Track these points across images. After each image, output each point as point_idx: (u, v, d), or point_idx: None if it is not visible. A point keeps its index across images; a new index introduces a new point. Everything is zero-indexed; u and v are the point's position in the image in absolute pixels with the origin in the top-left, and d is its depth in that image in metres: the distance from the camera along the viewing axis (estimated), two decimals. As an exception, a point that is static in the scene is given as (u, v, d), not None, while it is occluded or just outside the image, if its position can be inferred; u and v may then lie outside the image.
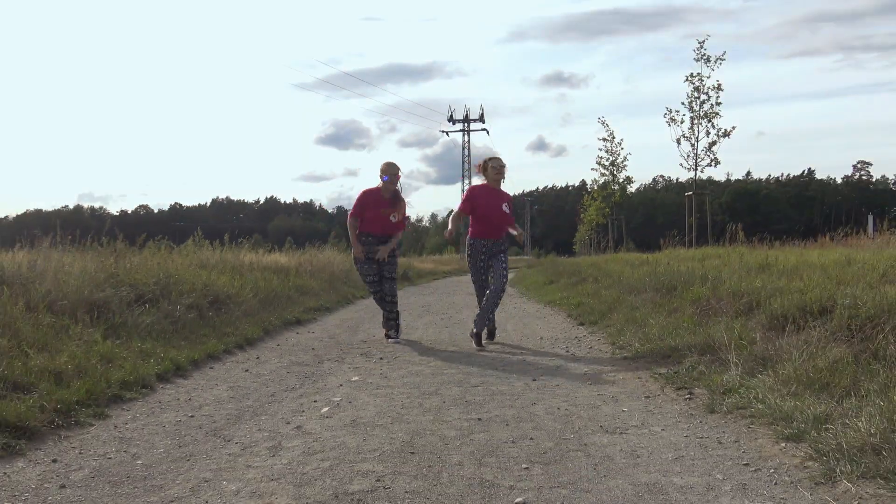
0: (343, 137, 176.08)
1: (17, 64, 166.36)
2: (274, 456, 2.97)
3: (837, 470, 2.44)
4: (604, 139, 24.54)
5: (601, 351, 5.60)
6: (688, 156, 17.13)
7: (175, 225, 57.44)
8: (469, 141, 47.89)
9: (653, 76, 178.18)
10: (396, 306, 6.62)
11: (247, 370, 5.10)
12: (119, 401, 3.96)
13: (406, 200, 6.61)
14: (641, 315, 6.32)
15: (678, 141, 17.23)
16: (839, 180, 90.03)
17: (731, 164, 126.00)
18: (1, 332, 4.41)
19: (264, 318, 7.52)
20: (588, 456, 2.87)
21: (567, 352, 5.63)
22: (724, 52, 17.42)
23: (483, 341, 6.01)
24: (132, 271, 6.97)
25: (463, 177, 47.07)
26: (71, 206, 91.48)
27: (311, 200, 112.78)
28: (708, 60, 16.76)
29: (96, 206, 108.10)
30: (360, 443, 3.12)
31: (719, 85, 16.74)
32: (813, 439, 2.75)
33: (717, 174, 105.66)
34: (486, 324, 6.05)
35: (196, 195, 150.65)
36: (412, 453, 2.94)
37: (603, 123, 25.47)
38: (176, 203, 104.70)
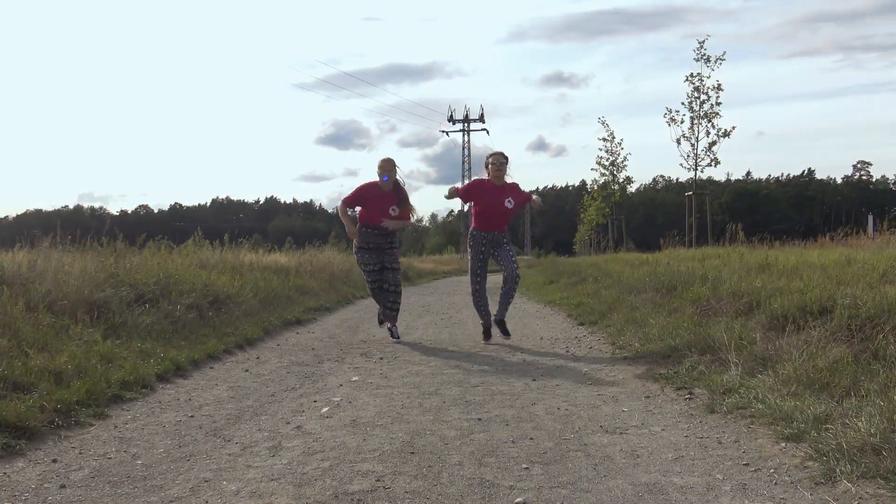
0: (343, 137, 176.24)
1: (17, 64, 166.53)
2: (274, 456, 2.97)
3: (837, 470, 2.44)
4: (604, 139, 24.58)
5: (601, 351, 5.60)
6: (688, 156, 17.15)
7: (175, 225, 57.45)
8: (469, 141, 47.89)
9: (653, 76, 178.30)
10: (400, 296, 6.60)
11: (247, 370, 5.10)
12: (119, 401, 3.96)
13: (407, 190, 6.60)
14: (641, 315, 6.32)
15: (678, 141, 17.25)
16: (839, 180, 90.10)
17: (731, 164, 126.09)
18: (1, 332, 4.41)
19: (264, 318, 7.52)
20: (588, 456, 2.87)
21: (567, 352, 5.63)
22: (724, 52, 17.45)
23: (493, 337, 6.07)
24: (132, 271, 6.97)
25: (463, 177, 47.04)
26: (71, 206, 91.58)
27: (311, 200, 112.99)
28: (708, 60, 16.78)
29: (96, 206, 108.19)
30: (360, 443, 3.12)
31: (719, 85, 16.77)
32: (813, 439, 2.75)
33: (717, 174, 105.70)
34: (506, 311, 6.19)
35: (196, 195, 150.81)
36: (412, 453, 2.94)
37: (603, 123, 25.52)
38: (176, 203, 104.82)
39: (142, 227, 14.02)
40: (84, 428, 3.44)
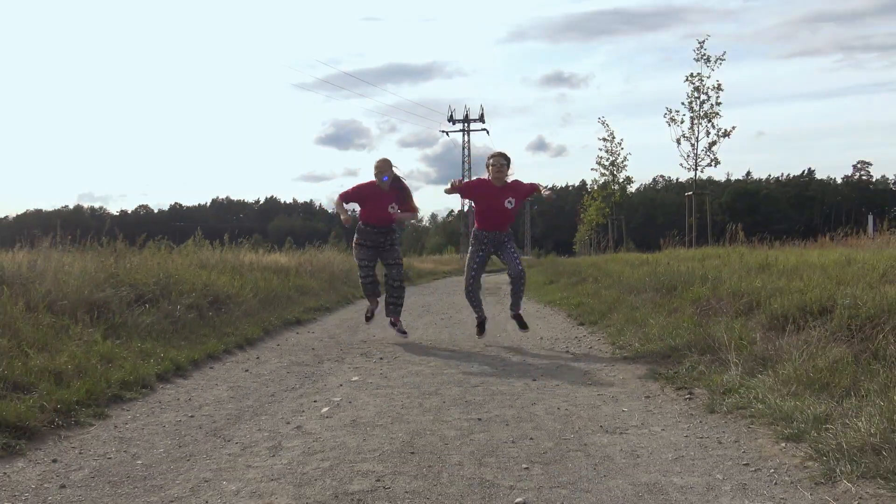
0: (343, 137, 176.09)
1: (17, 64, 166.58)
2: (274, 456, 2.97)
3: (837, 470, 2.45)
4: (604, 139, 24.57)
5: (601, 351, 5.60)
6: (688, 156, 17.14)
7: (175, 225, 57.47)
8: (469, 141, 47.98)
9: (653, 76, 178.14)
10: (403, 291, 6.65)
11: (247, 370, 5.10)
12: (119, 401, 3.96)
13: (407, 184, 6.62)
14: (641, 315, 6.32)
15: (678, 141, 17.24)
16: (839, 180, 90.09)
17: (731, 164, 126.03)
18: (1, 332, 4.41)
19: (264, 318, 7.52)
20: (588, 456, 2.87)
21: (567, 352, 5.63)
22: (724, 52, 17.42)
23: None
24: (132, 271, 6.97)
25: (463, 177, 47.06)
26: (71, 206, 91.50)
27: (311, 200, 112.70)
28: (708, 60, 16.77)
29: (96, 206, 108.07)
30: (360, 443, 3.12)
31: (719, 85, 16.76)
32: (813, 439, 2.75)
33: (717, 174, 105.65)
34: (520, 305, 6.21)
35: (196, 195, 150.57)
36: (412, 453, 2.94)
37: (603, 123, 25.51)
38: (176, 203, 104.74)
39: (142, 227, 14.03)
40: (84, 428, 3.45)
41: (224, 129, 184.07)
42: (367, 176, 6.53)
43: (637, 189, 78.01)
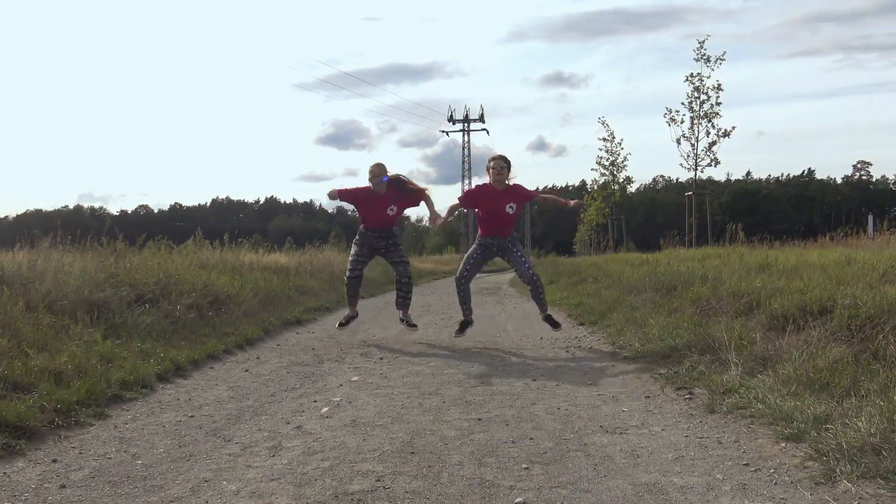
0: (343, 137, 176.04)
1: (17, 64, 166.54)
2: (274, 456, 2.97)
3: (837, 470, 2.44)
4: (604, 139, 24.60)
5: (601, 351, 5.60)
6: (688, 156, 17.17)
7: (175, 225, 57.43)
8: (469, 141, 47.97)
9: (653, 76, 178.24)
10: (411, 287, 6.72)
11: (247, 370, 5.10)
12: (119, 401, 3.96)
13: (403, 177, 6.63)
14: (641, 315, 6.32)
15: (678, 141, 17.27)
16: (839, 180, 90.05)
17: (731, 164, 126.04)
18: (1, 332, 4.41)
19: (264, 318, 7.52)
20: (588, 456, 2.87)
21: (567, 352, 5.63)
22: (724, 52, 17.47)
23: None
24: (132, 271, 6.97)
25: (463, 177, 47.08)
26: (71, 206, 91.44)
27: (311, 200, 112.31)
28: (708, 60, 16.80)
29: (96, 206, 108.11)
30: (360, 443, 3.12)
31: (719, 85, 16.78)
32: (813, 439, 2.75)
33: (717, 174, 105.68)
34: (546, 307, 6.24)
35: (196, 195, 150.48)
36: (412, 453, 2.94)
37: (603, 123, 25.57)
38: (176, 203, 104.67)
39: (142, 227, 14.02)
40: (84, 428, 3.44)
41: (224, 129, 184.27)
42: (367, 176, 6.51)
43: (637, 189, 78.06)
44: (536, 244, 64.94)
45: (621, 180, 24.94)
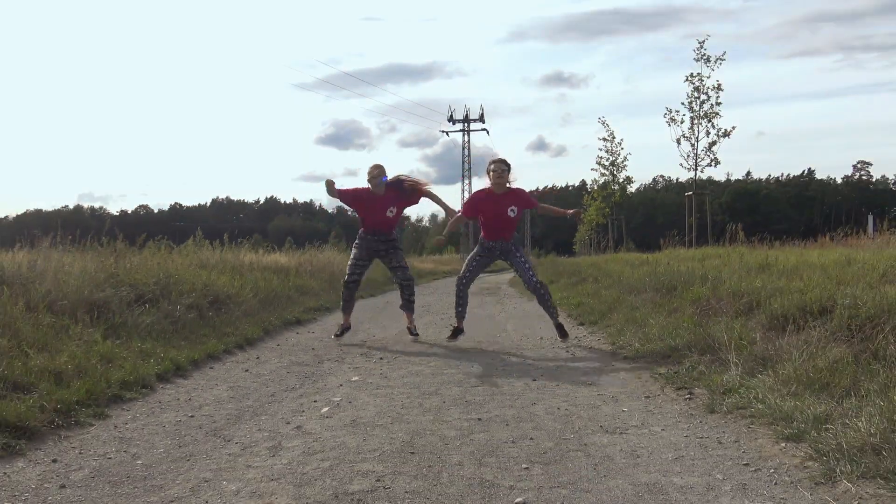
0: (343, 137, 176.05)
1: (17, 64, 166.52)
2: (274, 456, 2.97)
3: (837, 470, 2.44)
4: (604, 139, 24.62)
5: (601, 351, 5.60)
6: (688, 156, 17.18)
7: (175, 225, 57.41)
8: (469, 141, 48.03)
9: (653, 76, 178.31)
10: (414, 288, 6.74)
11: (247, 370, 5.10)
12: (119, 401, 3.96)
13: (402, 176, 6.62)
14: (641, 315, 6.32)
15: (678, 141, 17.28)
16: (839, 180, 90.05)
17: (731, 164, 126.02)
18: (1, 332, 4.41)
19: (264, 318, 7.52)
20: (588, 456, 2.87)
21: (567, 352, 5.63)
22: (724, 52, 17.48)
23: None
24: (132, 271, 6.97)
25: (463, 177, 47.14)
26: (71, 206, 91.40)
27: (311, 200, 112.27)
28: (708, 60, 16.81)
29: (96, 206, 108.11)
30: (360, 443, 3.12)
31: (719, 85, 16.79)
32: (813, 439, 2.75)
33: (717, 174, 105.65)
34: (555, 315, 6.23)
35: (196, 195, 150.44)
36: (412, 453, 2.94)
37: (603, 123, 25.58)
38: (176, 203, 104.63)
39: (142, 227, 14.02)
40: (84, 428, 3.44)
41: (224, 129, 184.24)
42: (367, 176, 6.49)
43: (637, 189, 78.07)
44: (536, 244, 64.90)
45: (621, 180, 24.96)
